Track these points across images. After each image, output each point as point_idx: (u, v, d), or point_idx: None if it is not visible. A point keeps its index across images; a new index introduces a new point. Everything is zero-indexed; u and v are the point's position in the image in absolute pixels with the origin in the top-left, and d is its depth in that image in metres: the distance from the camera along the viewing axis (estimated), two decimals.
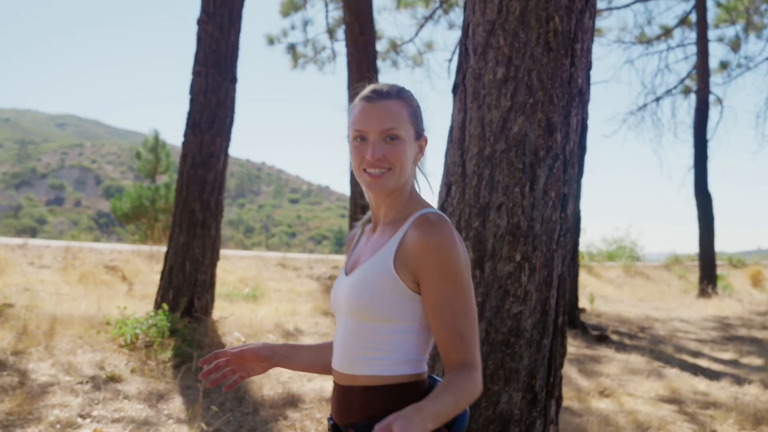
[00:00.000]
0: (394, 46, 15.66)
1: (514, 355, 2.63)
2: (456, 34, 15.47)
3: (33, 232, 22.39)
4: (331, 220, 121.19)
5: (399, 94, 1.56)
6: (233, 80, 7.38)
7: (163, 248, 12.83)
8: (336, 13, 14.69)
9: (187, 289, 6.76)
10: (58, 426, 3.93)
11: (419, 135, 1.58)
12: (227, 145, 7.27)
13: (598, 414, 4.87)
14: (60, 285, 9.27)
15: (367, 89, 1.57)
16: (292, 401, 4.73)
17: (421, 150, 1.60)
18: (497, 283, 2.66)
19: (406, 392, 1.49)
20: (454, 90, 2.94)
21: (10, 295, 7.51)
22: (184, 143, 7.16)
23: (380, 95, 1.54)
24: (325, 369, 1.71)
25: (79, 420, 4.06)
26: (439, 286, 1.44)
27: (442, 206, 2.87)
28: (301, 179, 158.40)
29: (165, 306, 6.23)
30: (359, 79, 11.00)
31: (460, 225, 2.74)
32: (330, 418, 1.61)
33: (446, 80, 15.41)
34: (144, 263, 11.04)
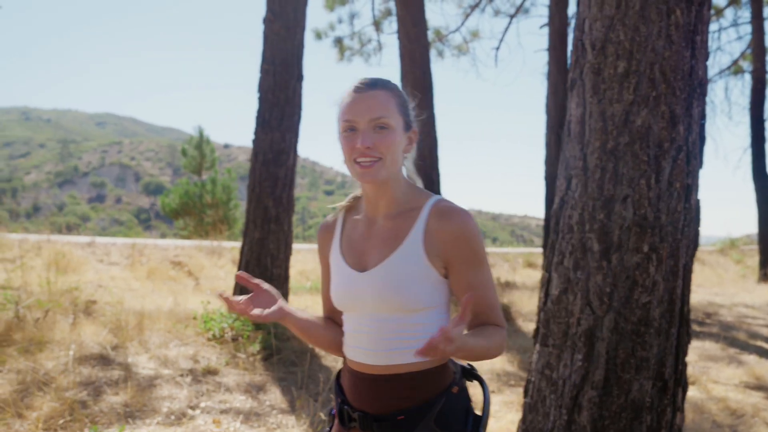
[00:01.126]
0: (440, 36, 15.65)
1: (644, 344, 2.68)
2: (502, 22, 15.36)
3: (77, 230, 22.85)
4: None
5: (386, 84, 1.58)
6: (300, 77, 7.50)
7: (222, 243, 13.12)
8: (382, 5, 14.75)
9: None
10: (172, 417, 4.11)
11: (408, 126, 1.60)
12: (296, 142, 7.40)
13: (689, 401, 4.88)
14: (130, 281, 9.56)
15: (356, 81, 1.59)
16: None
17: (410, 142, 1.62)
18: (624, 274, 2.71)
19: (448, 371, 1.58)
20: (571, 86, 2.99)
21: (87, 292, 7.77)
22: (254, 140, 7.31)
23: (368, 85, 1.55)
24: (331, 347, 1.73)
25: (190, 411, 4.23)
26: (473, 269, 1.53)
27: (563, 199, 2.93)
28: (335, 171, 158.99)
29: None
30: (411, 70, 11.05)
31: (584, 217, 2.80)
32: (352, 409, 1.60)
33: (493, 69, 15.34)
34: (206, 258, 11.30)
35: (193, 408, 4.30)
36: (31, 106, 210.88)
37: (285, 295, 7.11)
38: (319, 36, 15.01)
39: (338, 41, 15.25)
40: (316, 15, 23.46)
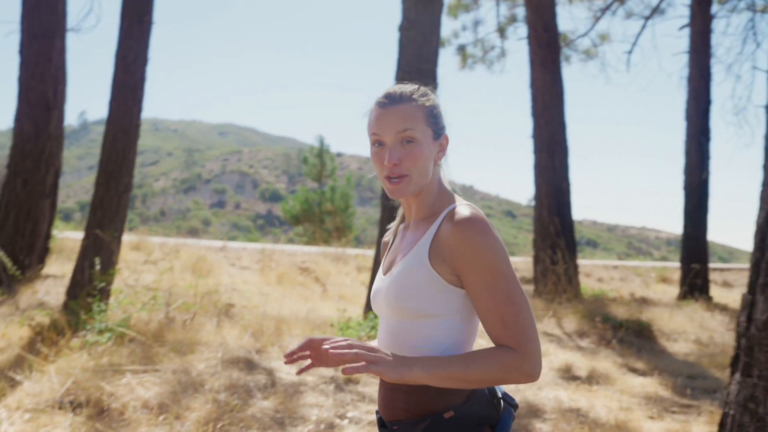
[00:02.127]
0: (566, 40, 15.14)
1: None
2: (635, 24, 14.64)
3: (199, 233, 24.00)
4: None
5: (412, 96, 1.55)
6: (436, 85, 7.42)
7: (347, 250, 13.29)
8: (508, 11, 14.47)
9: None
10: (322, 426, 4.09)
11: (438, 134, 1.58)
12: None
13: None
14: (261, 285, 9.82)
15: (382, 94, 1.57)
16: (534, 412, 4.61)
17: (442, 149, 1.60)
18: None
19: (451, 392, 1.47)
20: None
21: (224, 296, 8.02)
22: None
23: (393, 100, 1.54)
24: None
25: (338, 420, 4.20)
26: (479, 276, 1.43)
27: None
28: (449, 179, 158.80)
29: None
30: (542, 76, 10.72)
31: None
32: (377, 413, 1.61)
33: (624, 74, 14.67)
34: (332, 265, 11.47)
35: (340, 417, 4.26)
36: (161, 118, 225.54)
37: None
38: (442, 44, 14.88)
39: (461, 49, 15.12)
40: None
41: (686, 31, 12.10)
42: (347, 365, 1.33)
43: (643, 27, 13.49)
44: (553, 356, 6.42)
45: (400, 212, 1.76)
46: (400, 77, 7.36)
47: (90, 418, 3.76)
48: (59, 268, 9.22)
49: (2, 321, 6.20)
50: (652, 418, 4.67)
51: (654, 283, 12.88)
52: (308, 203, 23.73)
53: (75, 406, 3.92)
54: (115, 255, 6.64)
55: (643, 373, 5.97)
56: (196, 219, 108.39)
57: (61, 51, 8.51)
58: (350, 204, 24.00)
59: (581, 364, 6.09)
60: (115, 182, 6.59)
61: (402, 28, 7.48)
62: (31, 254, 8.24)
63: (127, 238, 12.29)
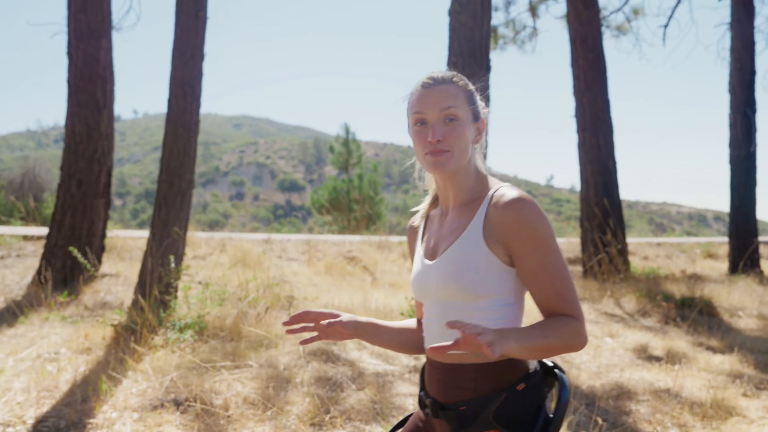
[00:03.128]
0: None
1: None
2: None
3: (220, 226, 24.19)
4: None
5: (453, 79, 1.62)
6: (488, 68, 7.34)
7: (390, 237, 13.27)
8: None
9: None
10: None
11: (477, 117, 1.65)
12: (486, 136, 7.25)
13: None
14: (311, 276, 9.84)
15: (424, 77, 1.63)
16: (626, 394, 4.58)
17: (479, 132, 1.66)
18: None
19: (516, 366, 1.54)
20: None
21: (281, 288, 8.04)
22: None
23: (437, 81, 1.60)
24: (401, 348, 1.84)
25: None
26: (534, 254, 1.49)
27: None
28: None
29: None
30: (584, 54, 10.59)
31: None
32: (426, 396, 1.66)
33: (660, 48, 14.45)
34: (377, 253, 11.46)
35: None
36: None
37: None
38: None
39: (492, 30, 14.96)
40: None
41: (726, 2, 11.88)
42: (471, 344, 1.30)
43: (680, 0, 13.26)
44: (623, 337, 6.37)
45: (429, 197, 1.80)
46: (452, 63, 7.29)
47: (198, 416, 3.79)
48: (112, 266, 9.30)
49: (76, 321, 6.27)
50: (746, 395, 4.62)
51: (700, 259, 12.75)
52: (336, 192, 23.74)
53: (178, 404, 3.96)
54: (181, 252, 6.67)
55: (720, 351, 5.91)
56: (215, 212, 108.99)
57: (108, 50, 8.54)
58: (378, 191, 23.98)
59: (655, 344, 6.04)
60: (178, 179, 6.61)
61: (452, 12, 7.41)
62: (89, 254, 8.31)
63: None
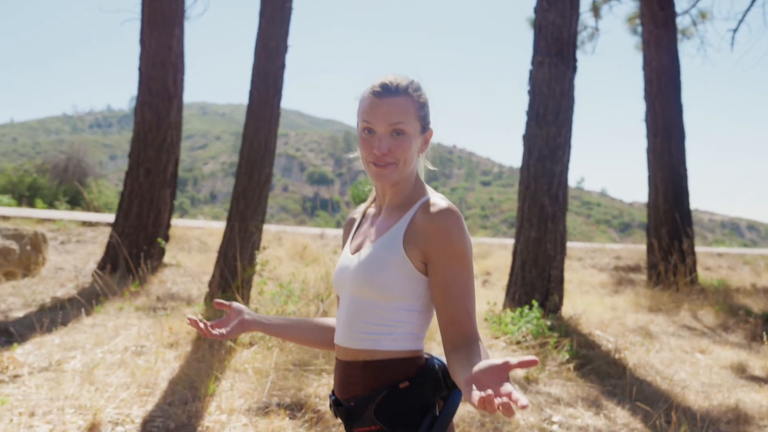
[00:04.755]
0: None
1: None
2: (743, 1, 13.97)
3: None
4: None
5: (407, 89, 1.59)
6: (575, 68, 7.10)
7: None
8: None
9: (541, 285, 6.64)
10: (536, 430, 3.90)
11: (425, 128, 1.64)
12: (570, 137, 7.02)
13: None
14: None
15: (377, 83, 1.59)
16: (743, 418, 4.34)
17: (426, 142, 1.66)
18: None
19: (406, 367, 1.55)
20: None
21: None
22: (527, 135, 7.03)
23: (389, 92, 1.57)
24: (316, 344, 1.84)
25: (545, 425, 4.00)
26: (449, 267, 1.49)
27: None
28: (492, 161, 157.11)
29: (535, 303, 6.15)
30: (658, 57, 10.26)
31: None
32: (332, 394, 1.67)
33: (727, 53, 14.01)
34: None
35: (547, 422, 4.06)
36: (209, 102, 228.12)
37: (561, 298, 6.77)
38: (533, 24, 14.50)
39: None
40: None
41: None
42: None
43: (752, 3, 12.80)
44: (714, 353, 6.11)
45: (371, 196, 1.81)
46: (538, 62, 7.07)
47: (309, 423, 3.65)
48: (171, 256, 9.24)
49: (149, 313, 6.19)
50: None
51: (765, 271, 12.34)
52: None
53: (285, 408, 3.82)
54: (258, 246, 6.56)
55: None
56: None
57: (180, 39, 8.45)
58: None
59: (753, 363, 5.77)
60: (258, 173, 6.49)
61: (539, 10, 7.19)
62: (154, 243, 8.25)
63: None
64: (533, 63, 7.17)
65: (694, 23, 14.11)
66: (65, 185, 24.33)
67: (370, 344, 1.57)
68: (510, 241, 14.26)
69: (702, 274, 11.68)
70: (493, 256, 11.59)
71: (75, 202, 23.04)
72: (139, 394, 3.95)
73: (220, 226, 11.95)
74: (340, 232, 13.09)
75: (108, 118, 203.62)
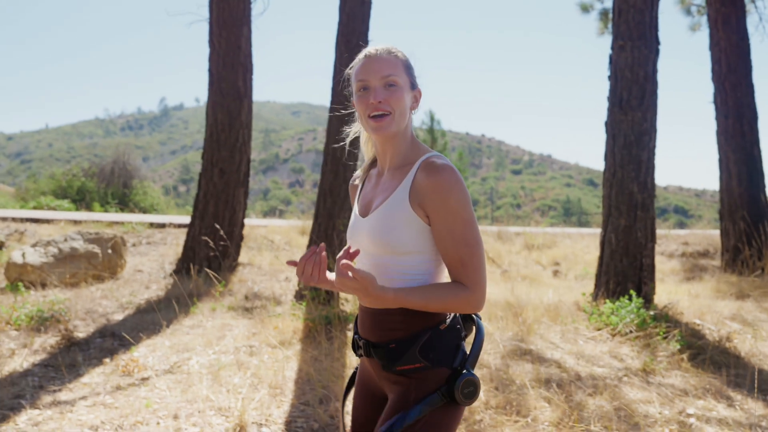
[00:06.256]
0: None
1: None
2: None
3: (280, 213, 24.34)
4: (557, 189, 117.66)
5: (392, 50, 1.76)
6: (657, 52, 6.94)
7: (508, 228, 12.97)
8: None
9: (633, 274, 6.52)
10: (674, 425, 3.81)
11: (414, 86, 1.78)
12: (656, 122, 6.87)
13: None
14: None
15: (365, 50, 1.77)
16: None
17: (416, 100, 1.81)
18: None
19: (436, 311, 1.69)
20: None
21: None
22: (610, 122, 6.90)
23: (379, 52, 1.74)
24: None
25: (683, 418, 3.91)
26: (444, 219, 1.62)
27: None
28: (521, 149, 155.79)
29: (633, 293, 6.04)
30: (726, 37, 10.00)
31: None
32: (359, 338, 1.81)
33: None
34: (498, 243, 11.18)
35: (682, 414, 3.97)
36: None
37: (652, 287, 6.64)
38: (585, 9, 14.27)
39: (604, 13, 14.39)
40: None
41: None
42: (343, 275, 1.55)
43: None
44: None
45: (368, 158, 1.94)
46: (619, 46, 6.93)
47: None
48: (243, 255, 9.29)
49: (241, 312, 6.22)
50: None
51: None
52: None
53: None
54: (345, 242, 6.54)
55: None
56: (275, 198, 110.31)
57: (248, 39, 8.47)
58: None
59: None
60: (343, 168, 6.47)
61: None
62: (231, 242, 8.31)
63: (290, 222, 12.38)
64: (613, 47, 7.03)
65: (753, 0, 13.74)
66: (112, 188, 24.71)
67: None
68: (571, 231, 14.08)
69: None
70: (559, 246, 11.45)
71: (122, 203, 23.39)
72: (271, 395, 3.96)
73: (284, 224, 12.01)
74: None
75: (139, 120, 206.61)
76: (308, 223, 11.35)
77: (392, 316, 1.71)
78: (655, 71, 6.88)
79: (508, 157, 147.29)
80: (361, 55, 1.78)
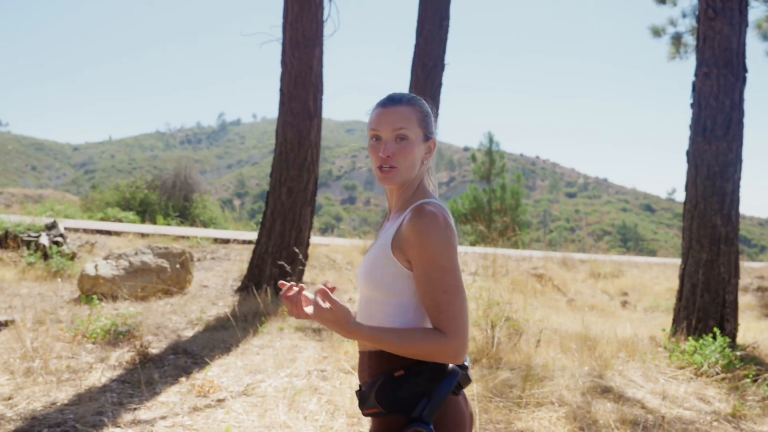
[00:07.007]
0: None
1: None
2: None
3: (332, 229, 24.45)
4: (612, 214, 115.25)
5: (410, 101, 1.74)
6: (744, 80, 6.68)
7: (573, 255, 12.69)
8: None
9: (714, 311, 6.24)
10: None
11: (428, 137, 1.76)
12: (741, 152, 6.60)
13: None
14: (500, 293, 9.45)
15: (384, 97, 1.77)
16: None
17: (429, 151, 1.79)
18: None
19: (404, 356, 1.64)
20: None
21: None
22: (692, 151, 6.66)
23: (393, 101, 1.73)
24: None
25: None
26: (420, 263, 1.62)
27: None
28: (576, 172, 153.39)
29: (717, 331, 5.76)
30: None
31: None
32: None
33: None
34: (563, 271, 10.92)
35: None
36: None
37: (735, 324, 6.33)
38: (657, 33, 13.95)
39: (676, 38, 14.04)
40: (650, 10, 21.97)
41: None
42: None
43: None
44: None
45: (389, 200, 1.93)
46: (703, 74, 6.70)
47: None
48: (306, 274, 9.31)
49: (308, 333, 6.19)
50: None
51: None
52: (477, 202, 23.31)
53: None
54: None
55: None
56: (328, 215, 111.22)
57: (320, 59, 8.53)
58: (520, 202, 23.34)
59: None
60: None
61: (705, 19, 6.82)
62: (296, 262, 8.32)
63: (352, 241, 12.38)
64: (697, 75, 6.80)
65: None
66: (173, 200, 25.30)
67: None
68: (638, 260, 13.68)
69: None
70: (626, 275, 11.11)
71: (183, 216, 23.90)
72: (348, 424, 3.89)
73: (345, 243, 12.01)
74: (466, 249, 12.92)
75: (197, 134, 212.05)
76: (369, 244, 11.33)
77: (366, 358, 1.74)
78: (741, 100, 6.62)
79: (562, 180, 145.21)
80: (378, 102, 1.79)
